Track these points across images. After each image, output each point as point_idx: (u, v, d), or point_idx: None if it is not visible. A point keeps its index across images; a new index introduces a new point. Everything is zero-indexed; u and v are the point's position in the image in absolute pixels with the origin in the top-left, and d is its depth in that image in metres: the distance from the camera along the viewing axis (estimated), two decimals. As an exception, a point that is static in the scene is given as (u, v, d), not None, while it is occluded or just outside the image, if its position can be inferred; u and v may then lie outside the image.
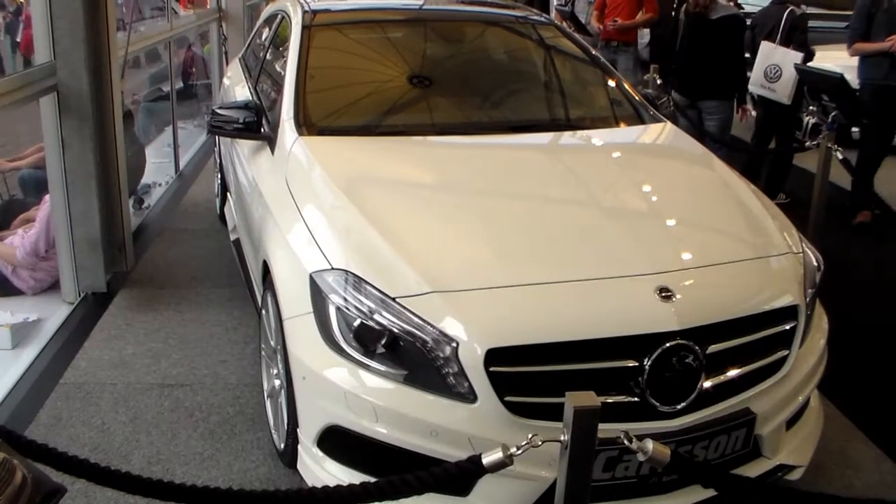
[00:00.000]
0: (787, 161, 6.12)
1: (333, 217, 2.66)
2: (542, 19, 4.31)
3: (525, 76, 4.02)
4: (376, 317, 2.26)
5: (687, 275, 2.42)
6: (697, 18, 5.52)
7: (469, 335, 2.17)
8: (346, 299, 2.32)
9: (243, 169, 3.69)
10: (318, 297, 2.38)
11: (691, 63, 5.62)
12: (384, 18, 4.16)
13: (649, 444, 1.81)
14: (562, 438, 1.78)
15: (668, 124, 3.65)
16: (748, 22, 5.83)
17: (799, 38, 5.65)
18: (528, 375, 2.19)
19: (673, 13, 8.21)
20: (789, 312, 2.48)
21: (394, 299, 2.26)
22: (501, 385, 2.16)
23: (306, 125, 3.22)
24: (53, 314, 4.01)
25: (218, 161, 5.24)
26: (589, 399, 1.75)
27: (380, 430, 2.24)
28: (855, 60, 5.60)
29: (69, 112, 3.85)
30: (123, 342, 3.68)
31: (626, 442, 1.82)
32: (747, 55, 5.82)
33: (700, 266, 2.49)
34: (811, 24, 5.94)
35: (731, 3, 5.67)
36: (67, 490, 1.67)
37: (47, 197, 4.16)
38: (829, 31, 8.07)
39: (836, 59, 6.37)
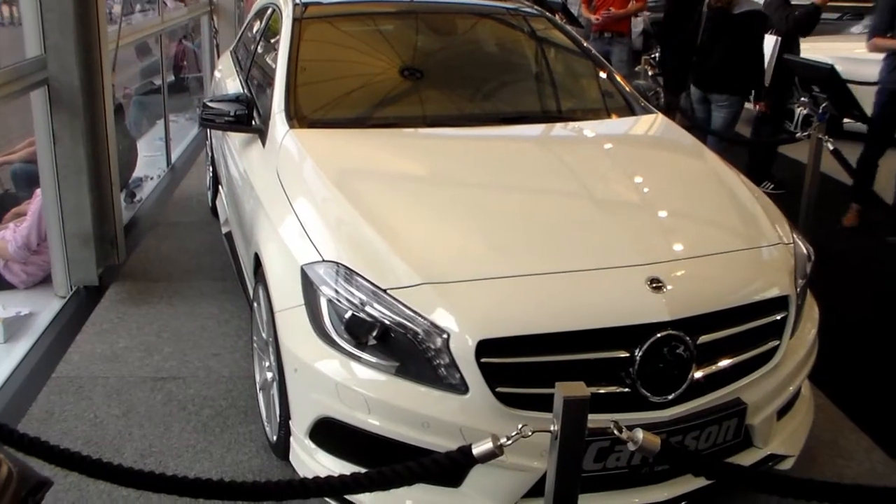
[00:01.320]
0: (770, 148, 6.15)
1: (324, 209, 2.66)
2: (534, 11, 4.30)
3: (516, 68, 4.01)
4: (368, 308, 2.26)
5: (677, 265, 2.42)
6: (720, 13, 5.50)
7: (460, 326, 2.18)
8: (337, 291, 2.32)
9: (235, 162, 3.69)
10: (310, 290, 2.39)
11: (709, 56, 5.60)
12: (375, 11, 4.14)
13: (639, 434, 1.82)
14: (552, 429, 1.78)
15: (660, 116, 3.66)
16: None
17: (770, 23, 5.67)
18: (519, 366, 2.20)
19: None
20: (780, 303, 2.50)
21: (385, 291, 2.27)
22: (493, 376, 2.16)
23: (297, 118, 3.22)
24: (45, 308, 4.00)
25: (210, 154, 5.23)
26: (578, 389, 1.76)
27: (371, 422, 2.24)
28: (845, 52, 5.58)
29: (60, 106, 3.84)
30: (116, 336, 3.68)
31: (615, 432, 1.83)
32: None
33: (691, 257, 2.50)
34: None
35: None
36: (53, 483, 1.66)
37: (39, 191, 4.14)
38: (821, 23, 8.07)
39: (826, 51, 6.38)
